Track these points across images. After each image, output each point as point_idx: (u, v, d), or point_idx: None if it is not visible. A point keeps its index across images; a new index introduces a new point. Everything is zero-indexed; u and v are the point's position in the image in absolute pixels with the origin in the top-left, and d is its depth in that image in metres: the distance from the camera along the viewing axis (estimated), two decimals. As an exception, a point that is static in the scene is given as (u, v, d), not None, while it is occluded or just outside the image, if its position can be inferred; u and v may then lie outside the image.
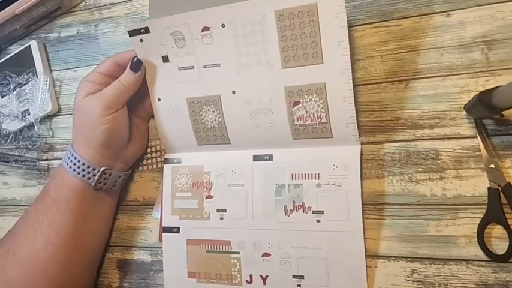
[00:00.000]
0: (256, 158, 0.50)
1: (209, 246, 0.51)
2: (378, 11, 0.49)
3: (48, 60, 0.65)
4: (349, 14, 0.49)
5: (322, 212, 0.46)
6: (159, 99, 0.53)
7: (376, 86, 0.48)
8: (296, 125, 0.47)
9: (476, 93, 0.41)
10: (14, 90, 0.65)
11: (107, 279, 0.57)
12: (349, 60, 0.43)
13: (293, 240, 0.47)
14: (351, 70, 0.43)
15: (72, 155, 0.50)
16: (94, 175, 0.50)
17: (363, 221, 0.45)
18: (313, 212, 0.47)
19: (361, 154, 0.46)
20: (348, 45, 0.43)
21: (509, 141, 0.43)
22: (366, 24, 0.49)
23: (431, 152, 0.45)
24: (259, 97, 0.48)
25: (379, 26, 0.48)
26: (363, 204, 0.46)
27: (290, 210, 0.47)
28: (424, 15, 0.47)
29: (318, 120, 0.46)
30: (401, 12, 0.48)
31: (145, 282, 0.55)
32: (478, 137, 0.43)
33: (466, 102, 0.43)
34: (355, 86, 0.48)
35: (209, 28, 0.47)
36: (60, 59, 0.65)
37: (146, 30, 0.49)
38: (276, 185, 0.48)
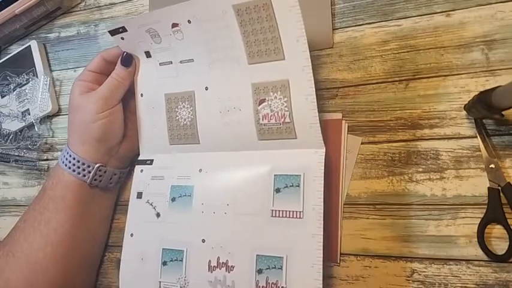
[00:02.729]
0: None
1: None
2: (378, 11, 0.49)
3: (48, 60, 0.65)
4: (349, 14, 0.50)
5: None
6: (141, 95, 0.53)
7: (376, 86, 0.48)
8: (261, 124, 0.47)
9: (476, 93, 0.41)
10: (14, 90, 0.65)
11: (107, 279, 0.57)
12: (309, 57, 0.42)
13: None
14: (311, 67, 0.43)
15: (67, 153, 0.50)
16: (89, 172, 0.50)
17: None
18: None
19: (325, 159, 0.44)
20: (306, 41, 0.42)
21: (509, 141, 0.43)
22: (366, 24, 0.49)
23: (431, 152, 0.45)
24: (229, 94, 0.48)
25: (379, 26, 0.48)
26: (326, 204, 0.43)
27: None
28: (424, 15, 0.47)
29: (282, 120, 0.46)
30: (401, 12, 0.48)
31: (145, 282, 0.55)
32: (478, 137, 0.43)
33: (466, 102, 0.43)
34: (355, 85, 0.48)
35: (178, 24, 0.47)
36: (60, 59, 0.65)
37: (123, 29, 0.49)
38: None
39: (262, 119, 0.47)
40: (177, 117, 0.51)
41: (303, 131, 0.45)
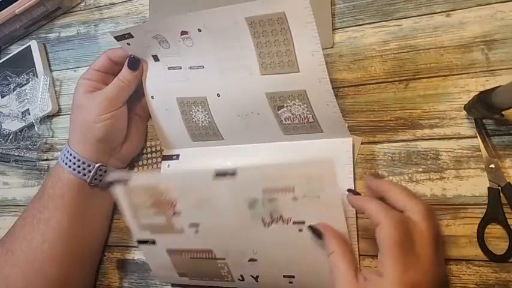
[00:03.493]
0: (219, 173, 0.43)
1: (192, 254, 0.48)
2: (378, 11, 0.49)
3: (48, 60, 0.65)
4: (349, 14, 0.50)
5: (303, 223, 0.43)
6: (152, 97, 0.53)
7: (376, 86, 0.48)
8: (285, 124, 0.48)
9: (476, 93, 0.41)
10: (14, 90, 0.65)
11: (107, 279, 0.57)
12: (326, 69, 0.42)
13: (277, 247, 0.44)
14: (328, 78, 0.43)
15: (68, 151, 0.50)
16: (89, 171, 0.50)
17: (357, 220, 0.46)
18: (294, 223, 0.43)
19: (354, 146, 0.46)
20: (322, 55, 0.42)
21: (509, 141, 0.43)
22: (366, 24, 0.49)
23: (431, 152, 0.45)
24: (243, 101, 0.48)
25: (379, 26, 0.48)
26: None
27: (269, 222, 0.43)
28: (424, 15, 0.47)
29: (306, 120, 0.46)
30: (401, 12, 0.48)
31: (145, 282, 0.55)
32: (478, 137, 0.43)
33: (466, 102, 0.43)
34: (355, 85, 0.48)
35: (187, 32, 0.47)
36: (60, 59, 0.65)
37: (129, 35, 0.49)
38: (247, 199, 0.43)
39: (285, 121, 0.47)
40: (194, 119, 0.52)
41: (328, 127, 0.46)
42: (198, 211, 0.45)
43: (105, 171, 0.51)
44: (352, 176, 0.46)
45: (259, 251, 0.45)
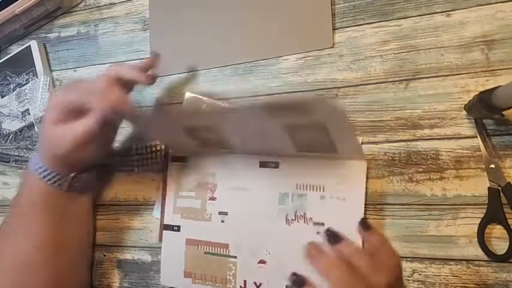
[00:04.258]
0: (263, 164, 0.49)
1: (207, 247, 0.51)
2: (378, 11, 0.49)
3: (48, 60, 0.65)
4: (349, 14, 0.50)
5: (323, 224, 0.46)
6: None
7: (376, 86, 0.48)
8: (298, 140, 0.46)
9: (476, 93, 0.41)
10: (14, 90, 0.65)
11: (107, 279, 0.57)
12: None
13: (291, 250, 0.47)
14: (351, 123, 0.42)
15: (40, 166, 0.49)
16: (66, 180, 0.49)
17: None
18: (314, 224, 0.46)
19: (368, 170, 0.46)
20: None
21: (509, 141, 0.43)
22: (366, 24, 0.49)
23: (432, 152, 0.45)
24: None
25: (379, 26, 0.48)
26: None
27: (291, 219, 0.47)
28: (424, 15, 0.47)
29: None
30: (401, 12, 0.48)
31: (145, 282, 0.55)
32: (478, 137, 0.43)
33: (466, 102, 0.43)
34: (355, 86, 0.48)
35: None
36: (60, 59, 0.65)
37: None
38: (280, 193, 0.48)
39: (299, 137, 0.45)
40: (204, 137, 0.50)
41: (343, 148, 0.44)
42: (232, 199, 0.50)
43: (81, 178, 0.51)
44: (363, 200, 0.45)
45: (272, 251, 0.48)
